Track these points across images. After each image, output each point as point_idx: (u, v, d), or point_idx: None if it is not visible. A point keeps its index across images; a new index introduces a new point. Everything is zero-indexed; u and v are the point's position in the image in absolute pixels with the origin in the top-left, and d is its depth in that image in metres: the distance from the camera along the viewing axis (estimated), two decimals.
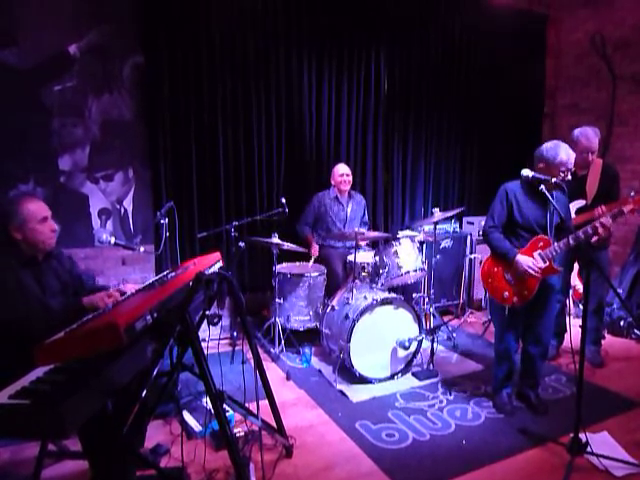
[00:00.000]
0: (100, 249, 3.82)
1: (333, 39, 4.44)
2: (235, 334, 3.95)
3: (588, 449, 2.43)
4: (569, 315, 3.76)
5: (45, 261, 2.20)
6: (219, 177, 4.15)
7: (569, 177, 2.71)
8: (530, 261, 2.69)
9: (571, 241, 2.64)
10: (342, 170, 4.24)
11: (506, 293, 2.78)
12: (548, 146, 2.73)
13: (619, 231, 4.90)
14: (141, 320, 1.58)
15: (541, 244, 2.74)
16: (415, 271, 3.75)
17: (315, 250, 4.18)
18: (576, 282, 4.60)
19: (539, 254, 2.71)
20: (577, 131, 3.40)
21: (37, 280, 2.12)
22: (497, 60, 5.31)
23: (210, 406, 2.18)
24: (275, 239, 3.63)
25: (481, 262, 2.99)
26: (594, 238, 2.70)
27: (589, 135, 3.34)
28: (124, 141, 3.85)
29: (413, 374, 3.46)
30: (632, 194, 2.96)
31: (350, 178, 4.26)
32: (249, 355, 2.85)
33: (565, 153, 2.67)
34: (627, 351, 3.95)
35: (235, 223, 3.76)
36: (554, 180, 2.65)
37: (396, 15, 4.68)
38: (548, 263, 2.71)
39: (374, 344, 3.34)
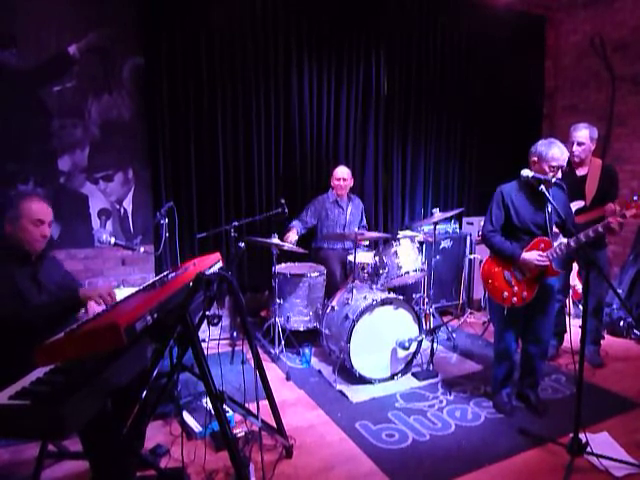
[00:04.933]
0: (100, 249, 3.83)
1: (333, 39, 4.45)
2: (235, 334, 3.95)
3: (588, 449, 2.42)
4: (569, 315, 3.76)
5: (39, 261, 2.22)
6: (219, 177, 4.15)
7: (559, 175, 2.70)
8: (536, 254, 2.70)
9: (572, 243, 2.63)
10: (339, 174, 4.21)
11: (505, 293, 2.78)
12: (542, 142, 2.75)
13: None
14: (141, 321, 1.58)
15: (542, 246, 2.74)
16: (415, 271, 3.75)
17: (288, 237, 4.02)
18: (575, 282, 4.60)
19: (539, 255, 2.71)
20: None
21: (33, 279, 2.13)
22: (496, 61, 5.32)
23: (210, 406, 2.18)
24: (275, 239, 3.63)
25: (481, 262, 2.99)
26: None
27: (573, 127, 3.45)
28: (124, 142, 3.85)
29: (413, 374, 3.46)
30: (635, 197, 2.88)
31: (347, 183, 4.22)
32: (249, 355, 2.85)
33: (557, 149, 2.67)
34: (627, 351, 3.95)
35: (235, 223, 3.75)
36: (554, 180, 2.65)
37: (396, 15, 4.69)
38: (548, 264, 2.71)
39: (374, 344, 3.34)
